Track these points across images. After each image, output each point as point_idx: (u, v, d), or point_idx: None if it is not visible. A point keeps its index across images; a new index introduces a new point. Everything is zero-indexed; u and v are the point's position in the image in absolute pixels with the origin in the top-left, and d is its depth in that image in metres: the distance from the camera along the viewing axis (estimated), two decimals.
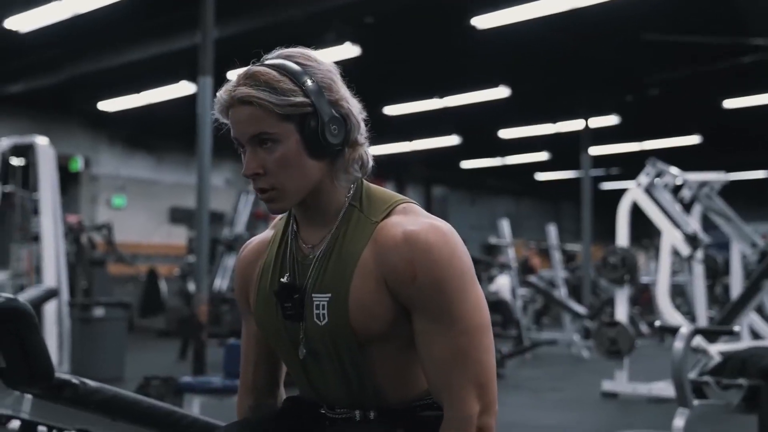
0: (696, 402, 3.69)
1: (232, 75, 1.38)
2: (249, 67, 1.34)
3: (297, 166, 1.32)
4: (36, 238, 7.32)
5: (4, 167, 7.25)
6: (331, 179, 1.36)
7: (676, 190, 7.14)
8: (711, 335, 5.39)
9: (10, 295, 1.92)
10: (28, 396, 2.10)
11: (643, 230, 10.81)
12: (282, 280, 1.41)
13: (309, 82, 1.31)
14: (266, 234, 1.53)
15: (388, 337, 1.35)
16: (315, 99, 1.31)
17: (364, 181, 1.42)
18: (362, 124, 1.38)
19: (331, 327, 1.34)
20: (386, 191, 1.43)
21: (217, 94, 1.34)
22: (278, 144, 1.31)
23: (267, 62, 1.35)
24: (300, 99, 1.30)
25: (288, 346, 1.42)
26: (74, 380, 2.14)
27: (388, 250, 1.32)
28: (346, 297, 1.32)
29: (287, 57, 1.36)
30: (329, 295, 1.34)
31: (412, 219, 1.35)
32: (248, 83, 1.30)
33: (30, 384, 2.04)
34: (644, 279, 11.26)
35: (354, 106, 1.37)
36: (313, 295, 1.36)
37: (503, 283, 11.30)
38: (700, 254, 6.96)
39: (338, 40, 9.91)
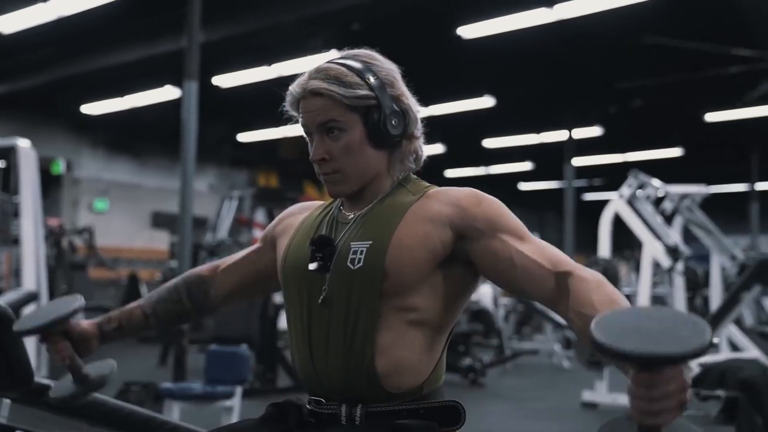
0: None
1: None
2: (320, 64, 1.44)
3: (360, 154, 1.43)
4: (16, 241, 7.26)
5: None
6: (388, 168, 1.47)
7: (657, 202, 7.20)
8: None
9: None
10: (6, 400, 2.08)
11: (625, 241, 10.89)
12: (320, 233, 1.49)
13: (373, 78, 1.43)
14: (312, 203, 1.63)
15: (409, 295, 1.38)
16: (379, 93, 1.42)
17: (412, 174, 1.52)
18: (419, 120, 1.50)
19: (364, 270, 1.38)
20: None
21: (290, 88, 1.45)
22: (344, 132, 1.42)
23: (335, 60, 1.45)
24: (365, 92, 1.41)
25: (305, 298, 1.44)
26: (53, 385, 2.12)
27: (448, 193, 1.44)
28: (388, 241, 1.38)
29: (354, 56, 1.46)
30: (370, 242, 1.40)
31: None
32: (319, 77, 1.41)
33: (8, 388, 2.02)
34: (626, 290, 11.31)
35: (413, 103, 1.48)
36: (351, 243, 1.41)
37: (485, 293, 11.31)
38: (680, 266, 7.02)
39: (324, 47, 9.92)
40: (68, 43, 10.35)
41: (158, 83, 11.66)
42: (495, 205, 1.42)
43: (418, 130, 1.50)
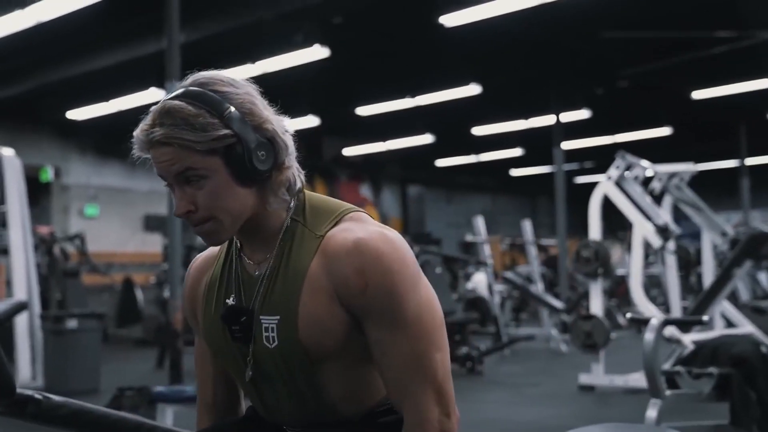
0: (668, 392, 3.71)
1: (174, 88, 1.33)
2: (163, 102, 1.28)
3: (229, 197, 1.29)
4: (5, 251, 7.23)
5: None
6: (263, 204, 1.33)
7: (646, 182, 7.19)
8: (684, 325, 5.43)
9: None
10: None
11: (619, 223, 10.89)
12: (228, 301, 1.39)
13: (228, 111, 1.26)
14: (212, 250, 1.50)
15: (340, 353, 1.33)
16: (237, 127, 1.26)
17: (307, 193, 1.39)
18: (290, 144, 1.33)
19: (282, 348, 1.32)
20: (331, 201, 1.40)
21: (134, 133, 1.29)
22: (206, 179, 1.27)
23: (181, 93, 1.28)
24: (221, 132, 1.25)
25: (239, 367, 1.40)
26: (37, 395, 2.09)
27: (337, 261, 1.29)
28: (295, 317, 1.30)
29: (202, 84, 1.29)
30: (278, 317, 1.32)
31: (359, 227, 1.32)
32: (165, 122, 1.25)
33: None
34: (620, 271, 11.32)
35: (278, 127, 1.32)
36: (261, 317, 1.34)
37: (480, 280, 11.32)
38: (671, 245, 7.02)
39: (307, 42, 9.89)
40: (49, 49, 10.28)
41: (142, 86, 11.61)
42: (382, 290, 1.27)
43: (290, 155, 1.33)
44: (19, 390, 2.05)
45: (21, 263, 6.85)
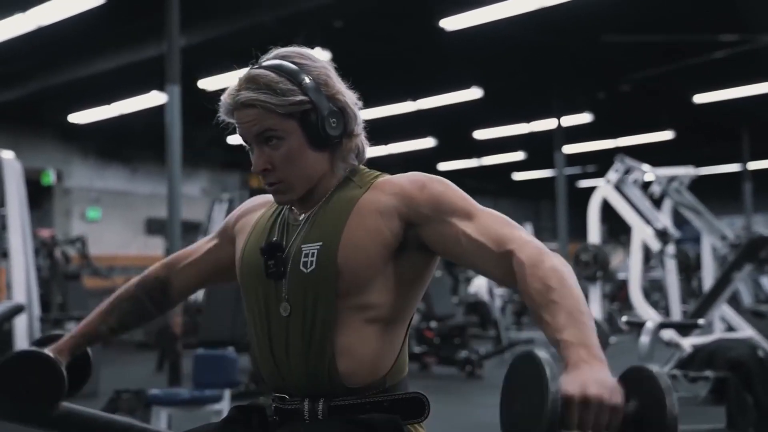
0: None
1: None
2: (248, 70, 1.41)
3: (302, 160, 1.41)
4: (6, 255, 7.22)
5: None
6: (332, 168, 1.46)
7: (646, 185, 7.18)
8: (682, 329, 5.41)
9: None
10: None
11: (622, 226, 10.89)
12: (271, 239, 1.47)
13: (306, 80, 1.39)
14: (270, 197, 1.59)
15: (365, 292, 1.37)
16: (313, 95, 1.39)
17: (363, 167, 1.51)
18: (359, 115, 1.47)
19: (317, 272, 1.38)
20: (382, 172, 1.51)
21: (221, 98, 1.42)
22: (282, 140, 1.40)
23: (265, 64, 1.42)
24: (299, 97, 1.38)
25: (263, 307, 1.45)
26: None
27: (393, 183, 1.42)
28: (337, 241, 1.37)
29: (284, 57, 1.43)
30: (320, 243, 1.39)
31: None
32: (249, 87, 1.38)
33: None
34: (622, 275, 11.30)
35: (350, 99, 1.45)
36: (302, 246, 1.41)
37: (480, 284, 11.31)
38: (671, 249, 7.00)
39: (308, 45, 9.87)
40: (50, 53, 10.31)
41: (144, 89, 11.63)
42: (439, 188, 1.40)
43: (359, 125, 1.48)
44: None
45: (20, 266, 6.83)
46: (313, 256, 1.39)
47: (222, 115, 1.43)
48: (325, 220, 1.42)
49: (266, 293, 1.44)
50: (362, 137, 1.50)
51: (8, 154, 7.03)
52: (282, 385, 1.45)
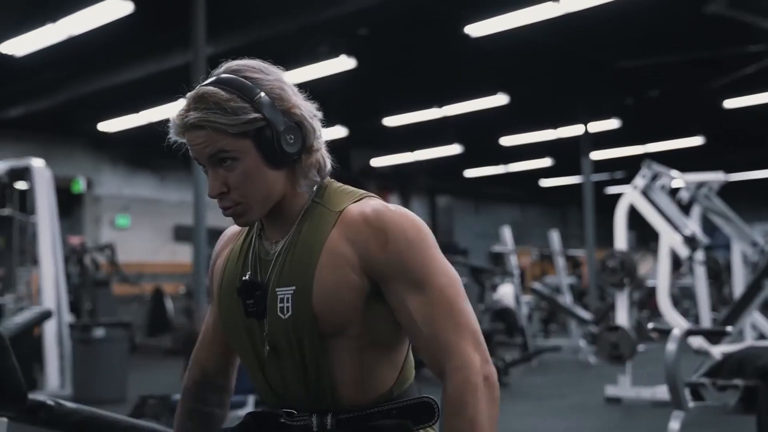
0: (692, 404, 3.64)
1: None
2: (197, 88, 1.33)
3: (259, 179, 1.33)
4: (36, 261, 7.33)
5: (1, 191, 7.28)
6: (293, 186, 1.38)
7: (674, 192, 7.10)
8: (711, 336, 5.34)
9: None
10: (3, 419, 2.09)
11: (651, 233, 10.78)
12: (244, 278, 1.42)
13: (258, 96, 1.31)
14: (237, 228, 1.53)
15: (350, 329, 1.34)
16: (267, 112, 1.31)
17: (329, 180, 1.43)
18: (318, 128, 1.38)
19: (295, 318, 1.33)
20: (352, 188, 1.43)
21: (170, 118, 1.34)
22: (237, 161, 1.32)
23: (214, 80, 1.34)
24: (252, 115, 1.30)
25: (249, 345, 1.42)
26: (49, 402, 2.13)
27: (357, 226, 1.33)
28: (310, 285, 1.32)
29: (234, 71, 1.34)
30: (293, 287, 1.34)
31: (377, 202, 1.37)
32: (198, 106, 1.30)
33: (2, 407, 2.02)
34: (652, 282, 11.16)
35: (307, 111, 1.36)
36: (276, 289, 1.36)
37: (506, 292, 11.24)
38: (700, 255, 6.91)
39: (333, 53, 9.93)
40: (80, 63, 10.46)
41: (171, 97, 11.67)
42: (401, 246, 1.30)
43: (318, 139, 1.38)
44: (31, 396, 2.08)
45: (50, 273, 6.94)
46: (288, 301, 1.34)
47: (172, 136, 1.35)
48: (296, 259, 1.35)
49: (250, 331, 1.40)
50: (323, 151, 1.40)
51: (38, 162, 7.14)
52: (285, 406, 1.43)
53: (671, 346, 3.54)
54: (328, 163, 1.41)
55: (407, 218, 1.34)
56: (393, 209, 1.34)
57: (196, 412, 1.58)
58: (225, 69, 1.36)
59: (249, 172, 1.32)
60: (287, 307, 1.34)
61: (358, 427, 1.38)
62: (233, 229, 1.55)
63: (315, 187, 1.40)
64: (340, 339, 1.34)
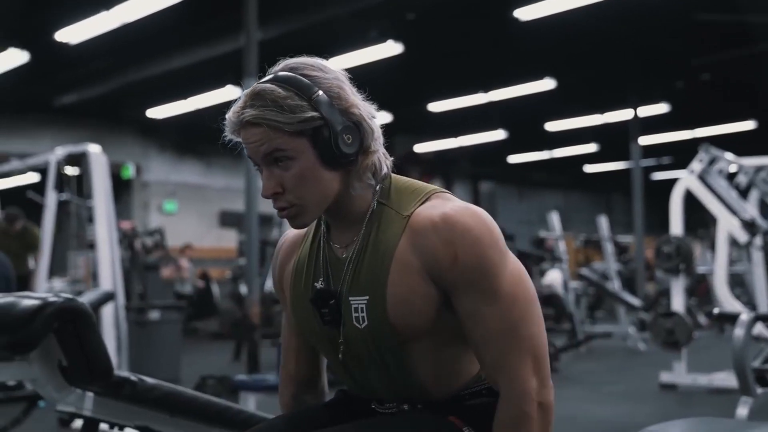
0: (759, 390, 3.59)
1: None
2: (254, 85, 1.31)
3: (314, 180, 1.30)
4: (92, 245, 7.47)
5: (59, 176, 7.42)
6: (347, 187, 1.35)
7: (731, 176, 6.97)
8: None
9: (70, 296, 1.97)
10: (90, 394, 2.15)
11: (698, 220, 10.59)
12: (316, 285, 1.41)
13: (316, 94, 1.28)
14: (300, 230, 1.50)
15: (429, 332, 1.33)
16: (324, 110, 1.28)
17: (393, 177, 1.40)
18: (376, 129, 1.35)
19: (372, 329, 1.33)
20: (416, 183, 1.40)
21: (226, 115, 1.32)
22: (293, 160, 1.29)
23: (272, 77, 1.31)
24: (309, 114, 1.27)
25: (329, 347, 1.42)
26: (132, 377, 2.18)
27: (425, 235, 1.30)
28: (384, 296, 1.31)
29: (292, 69, 1.32)
30: (366, 297, 1.33)
31: (446, 203, 1.33)
32: (255, 104, 1.27)
33: (90, 381, 2.08)
34: (701, 269, 10.99)
35: (365, 112, 1.33)
36: (350, 298, 1.35)
37: (555, 277, 11.17)
38: (758, 241, 6.77)
39: (381, 38, 9.92)
40: (131, 50, 10.59)
41: (219, 84, 11.85)
42: (471, 260, 1.27)
43: (376, 140, 1.34)
44: (116, 372, 2.13)
45: (107, 256, 7.06)
46: (362, 311, 1.33)
47: (227, 134, 1.32)
48: (368, 267, 1.33)
49: (329, 335, 1.39)
50: (380, 153, 1.36)
51: (95, 148, 7.26)
52: (371, 397, 1.45)
53: (739, 332, 3.49)
54: (385, 167, 1.37)
55: (477, 224, 1.29)
56: (461, 213, 1.30)
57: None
58: (283, 66, 1.34)
59: (305, 173, 1.29)
60: (362, 317, 1.33)
61: (453, 408, 1.40)
62: (293, 234, 1.53)
63: (378, 187, 1.37)
64: (419, 341, 1.34)
